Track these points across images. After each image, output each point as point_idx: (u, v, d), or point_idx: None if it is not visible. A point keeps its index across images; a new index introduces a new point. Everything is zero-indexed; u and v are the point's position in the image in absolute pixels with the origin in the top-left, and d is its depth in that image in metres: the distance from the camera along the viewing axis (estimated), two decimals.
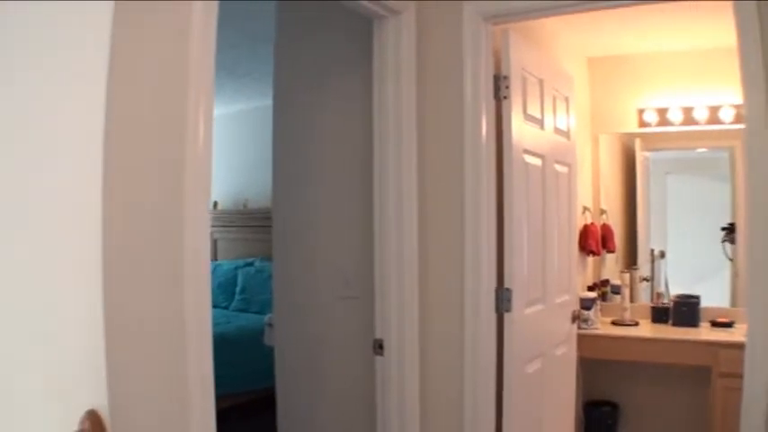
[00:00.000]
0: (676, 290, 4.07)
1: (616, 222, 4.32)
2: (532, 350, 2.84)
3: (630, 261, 4.33)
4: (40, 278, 1.47)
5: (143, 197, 1.44)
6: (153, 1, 1.46)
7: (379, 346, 2.50)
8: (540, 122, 2.94)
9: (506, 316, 2.62)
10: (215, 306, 6.06)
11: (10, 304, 1.53)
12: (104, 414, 1.26)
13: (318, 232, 2.92)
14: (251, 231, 6.49)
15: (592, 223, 4.13)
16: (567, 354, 3.30)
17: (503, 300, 2.60)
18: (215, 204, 6.89)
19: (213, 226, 6.87)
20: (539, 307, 2.89)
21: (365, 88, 2.66)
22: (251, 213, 6.49)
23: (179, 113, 1.52)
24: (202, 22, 1.57)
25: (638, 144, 4.31)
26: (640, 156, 4.33)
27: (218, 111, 6.99)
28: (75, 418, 1.24)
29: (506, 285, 2.61)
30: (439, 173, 2.57)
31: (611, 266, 4.33)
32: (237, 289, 6.06)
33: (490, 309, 2.56)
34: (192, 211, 1.55)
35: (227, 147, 6.90)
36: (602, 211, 4.31)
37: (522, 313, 2.72)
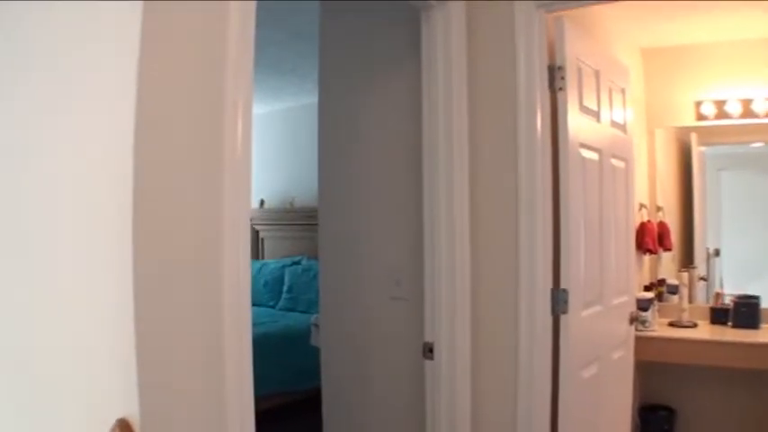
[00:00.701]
0: (730, 289, 3.90)
1: (672, 220, 4.14)
2: (589, 354, 2.71)
3: (687, 260, 4.14)
4: (69, 281, 1.43)
5: (179, 199, 1.38)
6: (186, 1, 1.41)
7: (428, 350, 2.40)
8: (597, 115, 2.81)
9: (562, 318, 2.49)
10: (261, 305, 6.07)
11: (40, 309, 1.49)
12: (135, 422, 1.20)
13: (366, 230, 2.84)
14: (298, 230, 6.46)
15: (648, 221, 3.95)
16: (625, 357, 3.15)
17: (559, 301, 2.48)
18: (261, 203, 6.88)
19: (259, 224, 6.87)
20: (596, 308, 2.76)
21: (413, 82, 2.57)
22: (298, 211, 6.46)
23: (216, 115, 1.46)
24: (239, 22, 1.52)
25: (694, 138, 4.13)
26: (696, 150, 4.14)
27: (263, 108, 7.07)
28: (105, 427, 1.18)
29: (563, 286, 2.49)
30: (492, 168, 2.46)
31: (667, 265, 4.15)
32: (284, 288, 6.04)
33: (546, 311, 2.44)
34: (232, 211, 1.48)
35: (274, 145, 6.89)
36: (659, 208, 4.13)
37: (579, 315, 2.60)
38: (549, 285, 2.45)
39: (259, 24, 1.59)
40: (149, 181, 1.29)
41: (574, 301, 2.52)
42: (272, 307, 6.02)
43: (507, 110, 2.43)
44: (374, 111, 2.84)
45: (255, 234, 6.93)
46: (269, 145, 6.98)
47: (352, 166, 2.91)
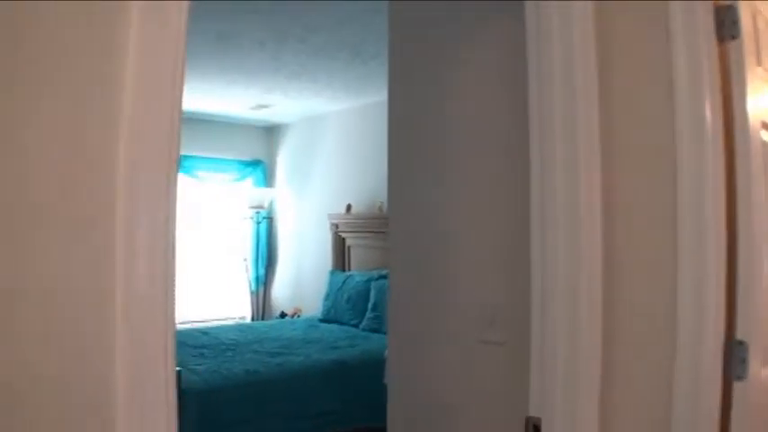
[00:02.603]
0: None
1: None
2: None
3: None
4: None
5: None
6: None
7: (534, 429, 1.62)
8: None
9: (737, 386, 1.66)
10: (344, 323, 5.43)
11: None
12: None
13: (451, 250, 2.11)
14: (387, 239, 5.77)
15: None
16: None
17: (734, 360, 1.65)
18: (348, 207, 6.26)
19: (346, 232, 6.25)
20: None
21: (508, 48, 1.81)
22: (387, 218, 5.77)
23: None
24: None
25: None
26: None
27: (347, 104, 6.46)
28: None
29: (739, 337, 1.66)
30: (634, 165, 1.65)
31: None
32: (369, 305, 5.36)
33: (714, 373, 1.62)
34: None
35: (360, 143, 6.27)
36: None
37: (762, 378, 1.75)
38: (722, 336, 1.63)
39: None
40: None
41: (755, 359, 1.68)
42: (356, 326, 5.36)
43: (656, 71, 1.62)
44: (460, 99, 2.11)
45: (342, 242, 6.31)
46: (355, 144, 6.36)
47: (432, 169, 2.20)
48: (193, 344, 4.54)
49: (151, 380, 1.03)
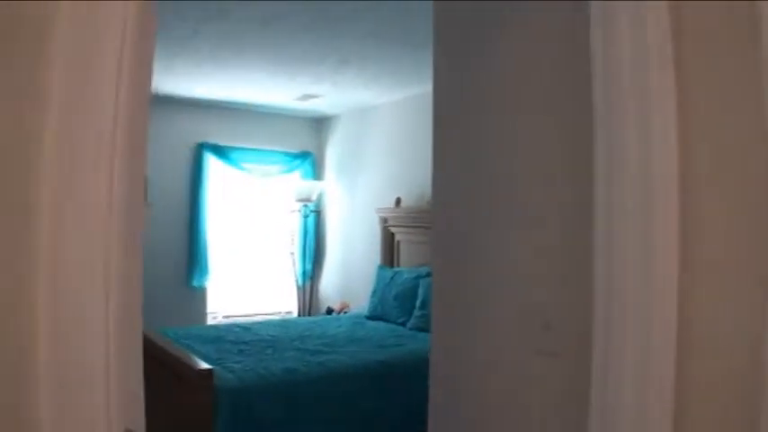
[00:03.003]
0: None
1: None
2: None
3: None
4: None
5: None
6: None
7: None
8: None
9: None
10: (390, 321, 5.22)
11: None
12: None
13: (498, 246, 1.86)
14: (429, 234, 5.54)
15: None
16: None
17: None
18: (398, 201, 6.04)
19: (395, 226, 6.04)
20: None
21: (568, 34, 1.56)
22: None
23: None
24: None
25: None
26: None
27: (397, 95, 6.23)
28: None
29: None
30: (724, 144, 1.38)
31: None
32: (417, 303, 5.13)
33: None
34: None
35: (410, 136, 6.04)
36: None
37: None
38: None
39: None
40: None
41: None
42: (402, 324, 5.14)
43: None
44: (505, 69, 1.86)
45: (391, 237, 6.10)
46: (405, 136, 6.14)
47: (475, 153, 1.96)
48: (234, 340, 4.40)
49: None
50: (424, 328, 4.87)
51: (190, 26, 4.00)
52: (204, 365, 3.21)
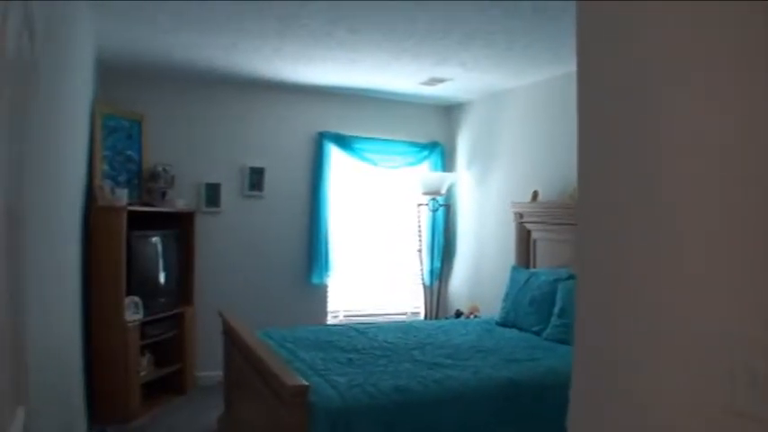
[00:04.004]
0: None
1: None
2: None
3: None
4: None
5: None
6: None
7: None
8: None
9: None
10: (524, 329, 4.62)
11: None
12: None
13: (668, 248, 1.25)
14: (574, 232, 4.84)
15: None
16: None
17: None
18: (535, 195, 5.38)
19: (531, 222, 5.39)
20: None
21: None
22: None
23: None
24: None
25: None
26: None
27: (533, 77, 5.48)
28: None
29: None
30: None
31: None
32: (555, 310, 4.48)
33: None
34: None
35: (550, 123, 5.37)
36: None
37: None
38: None
39: None
40: None
41: None
42: (537, 334, 4.50)
43: None
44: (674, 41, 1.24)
45: (527, 234, 5.45)
46: (544, 123, 5.47)
47: (633, 137, 1.35)
48: (345, 346, 3.97)
49: None
50: (563, 339, 4.23)
51: (295, 2, 3.60)
52: (298, 381, 2.77)
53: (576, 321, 1.58)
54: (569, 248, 4.99)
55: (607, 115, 1.47)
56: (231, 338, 3.98)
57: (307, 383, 2.76)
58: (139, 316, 4.73)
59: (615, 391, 1.39)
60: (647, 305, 1.31)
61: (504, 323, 4.91)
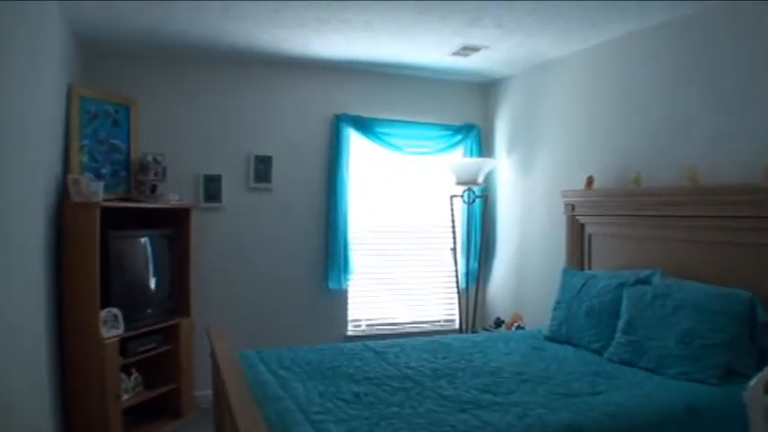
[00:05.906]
0: None
1: None
2: None
3: None
4: None
5: None
6: None
7: None
8: None
9: None
10: (581, 346, 3.80)
11: None
12: None
13: None
14: (648, 225, 3.95)
15: None
16: None
17: None
18: (589, 181, 4.50)
19: (585, 215, 4.52)
20: None
21: None
22: (648, 195, 3.93)
23: None
24: None
25: None
26: None
27: (587, 41, 4.47)
28: None
29: None
30: None
31: None
32: (620, 323, 3.59)
33: None
34: None
35: (606, 96, 4.50)
36: None
37: None
38: None
39: None
40: None
41: None
42: (599, 352, 3.63)
43: None
44: None
45: (580, 229, 4.57)
46: (599, 98, 4.61)
47: None
48: (354, 373, 3.15)
49: None
50: (630, 360, 3.36)
51: None
52: None
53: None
54: (634, 245, 4.10)
55: None
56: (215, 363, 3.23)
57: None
58: (119, 331, 4.02)
59: None
60: None
61: (554, 338, 4.04)
